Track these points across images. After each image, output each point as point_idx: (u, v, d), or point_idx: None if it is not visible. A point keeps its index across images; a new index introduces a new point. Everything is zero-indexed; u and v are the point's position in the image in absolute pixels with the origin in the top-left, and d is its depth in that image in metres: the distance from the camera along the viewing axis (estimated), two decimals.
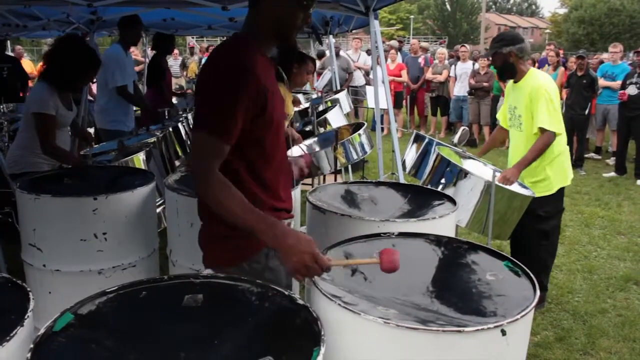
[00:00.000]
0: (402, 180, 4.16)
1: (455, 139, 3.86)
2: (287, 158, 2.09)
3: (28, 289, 1.69)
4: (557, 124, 3.61)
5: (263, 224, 1.69)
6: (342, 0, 4.54)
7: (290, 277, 1.93)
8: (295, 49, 4.43)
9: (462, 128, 3.91)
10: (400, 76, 11.32)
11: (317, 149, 4.39)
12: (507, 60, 3.70)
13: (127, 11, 5.18)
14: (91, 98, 7.43)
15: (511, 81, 3.87)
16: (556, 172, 3.75)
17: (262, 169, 1.90)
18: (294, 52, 4.24)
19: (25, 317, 1.52)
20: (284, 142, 2.03)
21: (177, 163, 4.74)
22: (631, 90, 8.01)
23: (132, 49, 6.19)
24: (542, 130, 3.59)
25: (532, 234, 3.82)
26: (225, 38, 2.31)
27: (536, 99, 3.60)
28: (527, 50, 3.78)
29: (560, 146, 3.74)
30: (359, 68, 11.05)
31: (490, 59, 3.86)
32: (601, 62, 10.16)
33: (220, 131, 1.73)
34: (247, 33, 1.89)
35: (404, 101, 11.59)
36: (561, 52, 10.67)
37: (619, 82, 8.54)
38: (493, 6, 71.26)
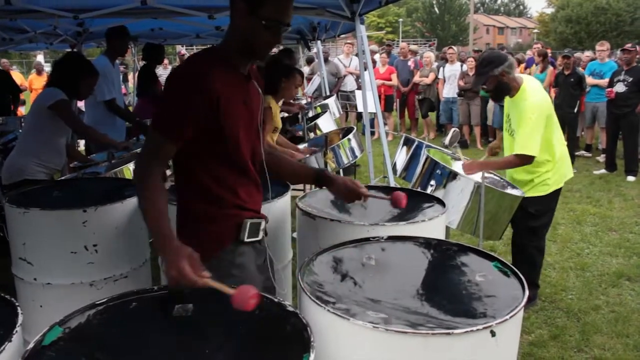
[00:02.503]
0: (392, 184, 4.18)
1: (446, 140, 3.87)
2: (260, 166, 2.11)
3: (16, 304, 1.68)
4: (536, 147, 3.55)
5: (162, 235, 1.74)
6: (328, 5, 4.56)
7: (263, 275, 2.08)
8: (280, 63, 4.46)
9: (452, 130, 3.93)
10: (391, 80, 11.36)
11: (307, 155, 4.39)
12: (501, 81, 3.65)
13: (114, 22, 5.17)
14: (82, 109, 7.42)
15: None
16: (556, 176, 3.77)
17: (226, 177, 1.95)
18: (280, 66, 4.26)
19: (14, 332, 1.51)
20: (256, 151, 2.06)
21: (168, 172, 4.72)
22: (619, 87, 8.06)
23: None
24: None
25: (522, 231, 3.85)
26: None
27: (522, 122, 3.58)
28: (514, 65, 3.72)
29: (559, 152, 3.74)
30: (351, 73, 11.08)
31: (484, 86, 3.77)
32: (592, 59, 10.24)
33: (168, 131, 1.83)
34: (221, 45, 1.96)
35: (395, 104, 11.62)
36: (549, 50, 10.70)
37: (606, 80, 8.60)
38: (481, 7, 71.65)
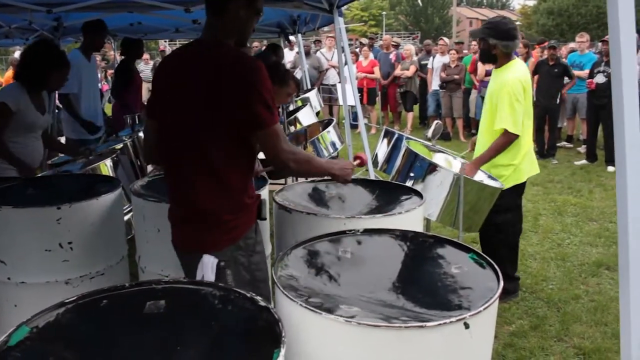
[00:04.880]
0: (372, 176, 4.16)
1: (429, 133, 3.86)
2: None
3: None
4: (518, 125, 3.60)
5: (328, 165, 2.21)
6: None
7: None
8: (280, 67, 4.39)
9: (435, 122, 3.92)
10: (373, 73, 11.34)
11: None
12: (490, 51, 3.73)
13: (90, 16, 5.09)
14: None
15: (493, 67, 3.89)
16: (512, 172, 3.77)
17: (246, 157, 2.12)
18: (278, 71, 4.19)
19: None
20: None
21: (150, 168, 4.67)
22: (599, 78, 8.12)
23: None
24: (505, 130, 3.62)
25: (487, 226, 3.82)
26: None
27: (501, 96, 3.61)
28: (513, 48, 3.78)
29: (517, 153, 3.73)
30: (333, 66, 11.04)
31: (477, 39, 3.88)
32: (572, 51, 10.29)
33: (278, 117, 2.05)
34: (219, 39, 2.05)
35: (377, 97, 11.61)
36: (546, 44, 10.59)
37: (586, 71, 8.65)
38: (463, 0, 71.82)
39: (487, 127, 3.79)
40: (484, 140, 3.84)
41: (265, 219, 2.27)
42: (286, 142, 2.02)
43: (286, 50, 10.52)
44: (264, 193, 2.93)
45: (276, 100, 4.15)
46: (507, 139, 3.62)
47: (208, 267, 1.97)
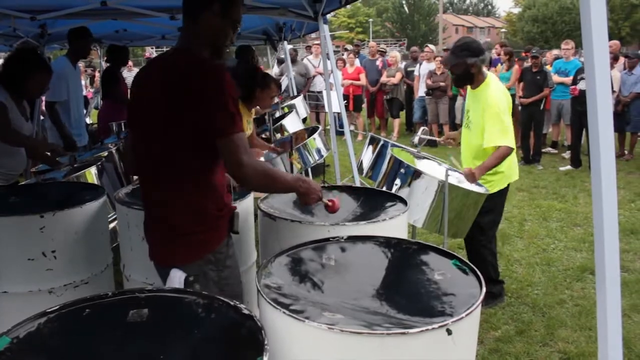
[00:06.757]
0: (358, 183, 4.17)
1: (415, 139, 3.89)
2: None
3: None
4: (511, 138, 3.66)
5: (295, 182, 2.10)
6: (291, 5, 4.55)
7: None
8: (258, 70, 4.41)
9: (421, 128, 3.95)
10: (359, 79, 11.38)
11: (274, 155, 4.37)
12: (469, 71, 3.74)
13: (75, 23, 5.07)
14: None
15: (469, 86, 3.93)
16: (498, 178, 3.84)
17: (214, 170, 2.05)
18: (257, 75, 4.22)
19: None
20: None
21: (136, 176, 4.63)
22: (582, 85, 8.20)
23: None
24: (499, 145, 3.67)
25: (471, 229, 3.85)
26: None
27: (488, 116, 3.66)
28: (486, 61, 3.82)
29: (505, 161, 3.76)
30: (320, 73, 11.07)
31: (450, 65, 3.84)
32: (556, 58, 10.39)
33: (242, 126, 1.96)
34: (190, 46, 2.02)
35: (363, 104, 11.63)
36: (528, 54, 10.65)
37: (571, 78, 8.75)
38: (450, 7, 72.36)
39: (476, 145, 3.83)
40: (472, 156, 3.89)
41: (237, 232, 2.19)
42: (247, 154, 1.93)
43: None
44: (248, 200, 2.93)
45: (257, 103, 4.21)
46: (506, 151, 3.67)
47: (175, 281, 1.95)
